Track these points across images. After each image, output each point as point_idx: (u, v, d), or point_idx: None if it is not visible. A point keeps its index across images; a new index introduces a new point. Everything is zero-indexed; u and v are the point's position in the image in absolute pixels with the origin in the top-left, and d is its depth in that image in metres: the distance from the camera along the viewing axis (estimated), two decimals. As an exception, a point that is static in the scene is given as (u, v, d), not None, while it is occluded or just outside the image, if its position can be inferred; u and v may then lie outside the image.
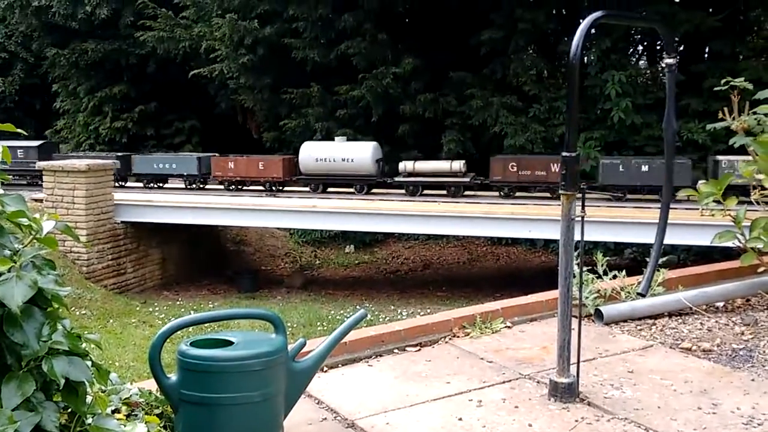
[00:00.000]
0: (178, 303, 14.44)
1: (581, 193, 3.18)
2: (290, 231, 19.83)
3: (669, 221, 4.17)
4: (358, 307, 13.51)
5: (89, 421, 1.91)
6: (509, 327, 4.32)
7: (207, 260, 17.88)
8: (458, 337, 4.15)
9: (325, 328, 11.48)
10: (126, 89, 22.69)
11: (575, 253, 3.31)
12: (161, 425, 2.59)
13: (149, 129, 22.85)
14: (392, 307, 13.64)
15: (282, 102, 19.49)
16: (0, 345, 1.67)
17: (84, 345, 1.86)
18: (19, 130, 1.76)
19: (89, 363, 1.81)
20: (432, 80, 18.54)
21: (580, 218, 3.20)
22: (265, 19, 18.95)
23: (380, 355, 3.86)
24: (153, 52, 21.24)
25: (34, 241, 1.79)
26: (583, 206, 3.20)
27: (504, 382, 3.49)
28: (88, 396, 1.85)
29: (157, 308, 13.73)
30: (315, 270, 18.45)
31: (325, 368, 3.61)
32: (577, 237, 3.24)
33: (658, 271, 4.65)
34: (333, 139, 17.59)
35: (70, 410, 1.87)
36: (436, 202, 15.15)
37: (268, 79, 19.55)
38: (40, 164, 15.49)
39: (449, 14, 18.43)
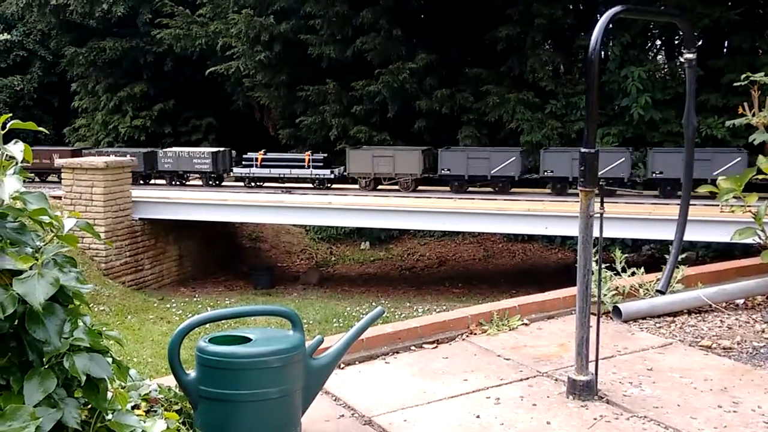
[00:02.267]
0: (195, 299, 14.53)
1: (600, 190, 3.16)
2: (306, 227, 19.88)
3: (688, 217, 4.13)
4: (374, 303, 13.53)
5: (109, 417, 1.93)
6: (526, 324, 4.30)
7: (223, 257, 17.98)
8: (475, 334, 4.14)
9: (341, 324, 11.50)
10: (145, 87, 22.81)
11: (593, 250, 3.29)
12: (180, 421, 2.61)
13: (167, 127, 22.97)
14: (408, 304, 13.63)
15: (298, 99, 19.52)
16: (22, 341, 1.69)
17: (104, 342, 1.87)
18: (40, 128, 1.77)
19: (110, 360, 1.83)
20: (448, 76, 18.50)
21: (599, 215, 3.18)
22: (281, 15, 18.98)
23: (397, 352, 3.86)
24: (170, 50, 21.34)
25: (55, 238, 1.81)
26: (602, 203, 3.18)
27: (522, 380, 3.47)
28: (108, 392, 1.87)
29: (174, 304, 13.82)
30: (331, 267, 18.49)
31: (342, 365, 3.61)
32: (595, 234, 3.22)
33: (678, 268, 4.61)
34: (350, 136, 17.60)
35: (90, 406, 1.88)
36: (452, 198, 15.12)
37: (284, 75, 19.59)
38: (59, 162, 15.62)
39: (465, 10, 18.36)
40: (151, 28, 21.57)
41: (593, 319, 3.26)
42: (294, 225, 19.26)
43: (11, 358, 1.69)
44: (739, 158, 13.60)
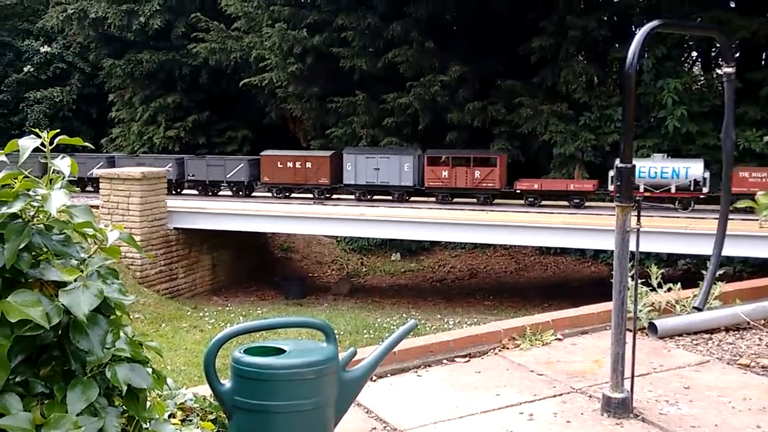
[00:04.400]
0: (227, 308, 14.66)
1: (637, 204, 3.13)
2: (337, 238, 19.97)
3: (726, 232, 4.05)
4: (404, 315, 13.52)
5: (146, 425, 1.96)
6: (560, 339, 4.26)
7: (255, 266, 18.12)
8: (508, 348, 4.12)
9: (372, 336, 11.50)
10: (179, 99, 23.19)
11: (629, 265, 3.25)
12: (215, 431, 2.64)
13: (201, 138, 23.31)
14: (439, 316, 13.59)
15: (329, 110, 19.68)
16: (65, 351, 1.72)
17: (144, 352, 1.91)
18: (86, 144, 1.82)
19: (149, 370, 1.86)
20: (480, 88, 18.49)
21: (635, 230, 3.15)
22: (314, 28, 19.18)
23: (429, 366, 3.85)
24: (205, 62, 21.69)
25: (99, 250, 1.85)
26: (638, 218, 3.14)
27: (555, 396, 3.44)
28: (147, 401, 1.90)
29: (207, 313, 13.96)
30: (361, 277, 18.52)
31: (374, 378, 3.62)
32: (631, 248, 3.19)
33: (715, 284, 4.53)
34: (380, 147, 17.67)
35: (128, 415, 1.91)
36: (483, 210, 15.06)
37: (316, 87, 19.77)
38: (98, 172, 15.93)
39: (498, 22, 18.36)
40: (186, 41, 21.95)
41: (629, 336, 3.22)
42: (325, 236, 19.35)
43: (55, 367, 1.72)
44: None
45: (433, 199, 16.48)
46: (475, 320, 12.54)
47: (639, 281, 3.88)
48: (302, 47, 18.89)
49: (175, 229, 15.68)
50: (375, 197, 16.80)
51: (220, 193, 18.04)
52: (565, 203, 15.35)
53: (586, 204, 15.27)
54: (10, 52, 27.47)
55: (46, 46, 26.90)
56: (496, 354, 4.04)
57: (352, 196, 17.06)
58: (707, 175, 14.49)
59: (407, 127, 18.95)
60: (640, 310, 4.35)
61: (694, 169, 14.51)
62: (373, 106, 19.05)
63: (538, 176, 16.77)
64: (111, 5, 22.49)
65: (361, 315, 13.73)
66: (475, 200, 16.09)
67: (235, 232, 16.31)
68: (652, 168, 14.72)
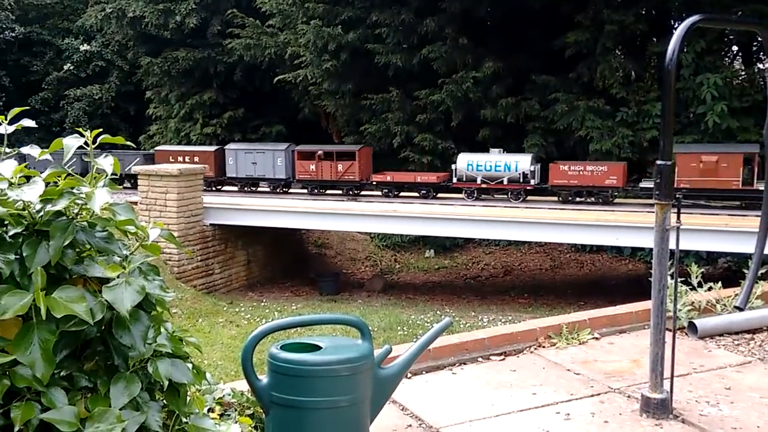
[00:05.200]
0: (262, 304, 14.79)
1: (677, 202, 3.08)
2: (370, 235, 20.00)
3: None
4: (438, 312, 13.49)
5: (185, 419, 1.99)
6: (597, 338, 4.21)
7: (290, 262, 18.26)
8: (544, 347, 4.08)
9: (406, 332, 11.50)
10: (215, 96, 23.45)
11: (668, 263, 3.20)
12: (253, 426, 2.67)
13: (236, 134, 23.53)
14: (473, 313, 13.53)
15: (363, 107, 19.71)
16: (108, 346, 1.76)
17: (184, 347, 1.93)
18: (128, 143, 1.85)
19: (190, 365, 1.88)
20: (514, 84, 18.33)
21: (675, 228, 3.10)
22: (348, 24, 19.21)
23: (464, 363, 3.84)
24: (240, 59, 21.89)
25: (140, 247, 1.88)
26: (678, 216, 3.09)
27: (593, 396, 3.40)
28: (187, 396, 1.92)
29: (242, 308, 14.10)
30: (395, 274, 18.53)
31: (409, 375, 3.62)
32: (670, 246, 3.13)
33: (757, 283, 4.43)
34: (413, 143, 17.59)
35: (167, 409, 1.94)
36: (518, 207, 14.95)
37: (350, 84, 19.81)
38: (136, 168, 16.18)
39: (533, 17, 18.17)
40: (221, 39, 22.19)
41: (668, 335, 3.17)
42: (359, 232, 19.41)
43: (98, 362, 1.76)
44: None
45: (466, 195, 16.38)
46: (510, 318, 12.46)
47: (678, 280, 3.82)
48: (337, 44, 18.95)
49: (211, 225, 15.87)
50: (403, 194, 16.83)
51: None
52: (597, 199, 15.09)
53: (616, 201, 14.93)
54: (50, 50, 28.06)
55: (85, 45, 27.44)
56: (531, 352, 4.01)
57: (379, 193, 17.04)
58: (534, 168, 15.51)
59: (440, 124, 18.90)
60: (680, 310, 4.27)
61: (523, 162, 15.63)
62: (407, 103, 19.03)
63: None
64: (148, 4, 22.83)
65: (394, 312, 13.73)
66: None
67: (270, 228, 16.44)
68: (488, 162, 15.79)
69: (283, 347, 2.77)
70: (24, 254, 1.60)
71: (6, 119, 1.89)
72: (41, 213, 1.66)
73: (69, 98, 26.76)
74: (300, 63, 20.09)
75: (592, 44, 17.01)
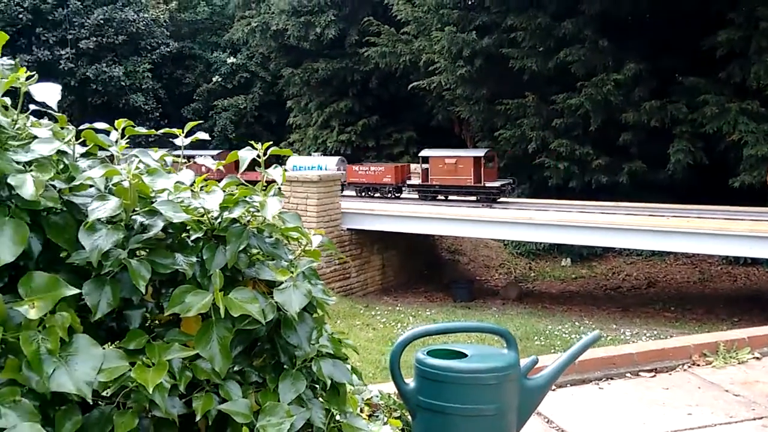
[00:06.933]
0: (397, 308, 14.99)
1: None
2: (504, 242, 19.76)
3: None
4: (576, 323, 13.12)
5: (338, 417, 2.07)
6: (758, 358, 3.93)
7: (423, 268, 18.40)
8: (698, 365, 3.87)
9: (543, 342, 11.26)
10: (351, 104, 24.15)
11: None
12: (401, 429, 2.72)
13: (370, 141, 24.08)
14: (614, 326, 13.01)
15: (497, 112, 19.53)
16: (275, 345, 1.86)
17: (343, 349, 2.01)
18: (294, 155, 1.95)
19: (349, 366, 1.96)
20: (658, 86, 17.48)
21: None
22: (483, 30, 19.13)
23: (611, 378, 3.71)
24: (375, 68, 22.39)
25: (302, 252, 1.98)
26: None
27: (755, 419, 3.18)
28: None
29: (378, 312, 14.37)
30: (530, 282, 18.18)
31: (554, 387, 3.54)
32: None
33: None
34: (550, 150, 17.21)
35: (324, 407, 2.03)
36: (664, 216, 14.22)
37: (485, 89, 19.70)
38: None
39: (679, 15, 17.26)
40: (358, 49, 22.81)
41: None
42: (493, 239, 19.23)
43: (266, 359, 1.87)
44: None
45: (603, 203, 15.80)
46: (655, 332, 11.89)
47: None
48: (471, 50, 18.91)
49: (348, 230, 16.30)
50: (539, 201, 16.48)
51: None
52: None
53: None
54: (201, 63, 30.00)
55: (232, 58, 29.12)
56: (685, 370, 3.81)
57: (520, 200, 16.81)
58: (340, 168, 17.58)
59: (577, 129, 18.35)
60: None
61: (329, 164, 18.87)
62: (543, 108, 18.65)
63: (726, 180, 15.62)
64: (290, 17, 23.89)
65: (530, 321, 13.47)
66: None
67: (405, 233, 16.63)
68: (305, 163, 18.92)
69: (430, 353, 2.81)
70: (204, 257, 1.73)
71: (183, 132, 2.06)
72: (219, 219, 1.78)
73: (217, 108, 28.49)
74: (434, 69, 20.23)
75: (745, 43, 15.90)
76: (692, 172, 16.90)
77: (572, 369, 3.63)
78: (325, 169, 18.33)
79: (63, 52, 26.44)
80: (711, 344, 3.98)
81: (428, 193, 17.30)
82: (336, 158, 19.46)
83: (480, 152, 17.35)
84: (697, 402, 3.38)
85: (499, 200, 16.80)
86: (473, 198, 16.82)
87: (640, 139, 17.62)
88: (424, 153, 17.84)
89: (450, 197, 17.31)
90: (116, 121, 1.80)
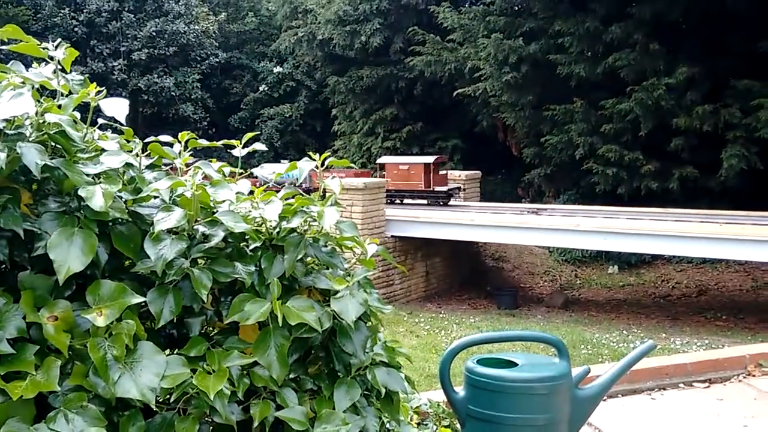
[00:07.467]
0: (440, 315, 14.95)
1: None
2: (549, 249, 19.53)
3: None
4: (624, 332, 12.89)
5: (389, 426, 2.09)
6: (818, 370, 3.83)
7: (467, 275, 18.31)
8: (754, 376, 3.78)
9: (590, 351, 11.09)
10: (396, 111, 24.23)
11: None
12: (451, 437, 2.73)
13: (414, 148, 24.11)
14: (663, 335, 12.74)
15: (544, 118, 19.35)
16: (330, 353, 1.89)
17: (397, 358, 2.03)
18: (352, 165, 1.99)
19: (402, 375, 1.98)
20: (711, 90, 17.08)
21: None
22: (530, 36, 18.99)
23: (663, 389, 3.66)
24: (420, 75, 22.42)
25: (357, 261, 2.01)
26: None
27: (816, 433, 3.10)
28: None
29: (421, 319, 14.34)
30: (575, 290, 17.93)
31: (605, 397, 3.50)
32: None
33: None
34: (598, 156, 16.94)
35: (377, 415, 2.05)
36: (717, 223, 13.87)
37: (531, 95, 19.55)
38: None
39: (735, 17, 16.86)
40: (402, 57, 22.89)
41: None
42: (538, 246, 19.03)
43: (321, 367, 1.90)
44: None
45: (652, 209, 15.49)
46: (707, 342, 11.60)
47: None
48: (517, 56, 18.79)
49: (392, 237, 16.33)
50: (584, 207, 16.28)
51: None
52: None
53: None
54: (248, 73, 30.50)
55: (278, 67, 29.54)
56: (740, 381, 3.73)
57: (566, 206, 16.60)
58: (304, 175, 16.63)
59: (627, 134, 18.05)
60: None
61: (296, 172, 16.92)
62: (591, 113, 18.41)
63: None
64: (336, 27, 24.11)
65: (576, 329, 13.28)
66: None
67: (448, 240, 16.59)
68: (279, 170, 17.80)
69: (479, 362, 2.80)
70: (262, 266, 1.78)
71: (241, 143, 2.11)
72: (277, 229, 1.83)
73: (263, 117, 28.92)
74: (479, 76, 20.16)
75: (805, 44, 15.47)
76: (746, 177, 16.44)
77: (624, 379, 3.58)
78: (294, 177, 18.35)
79: (116, 64, 27.17)
80: (767, 354, 3.88)
81: (386, 197, 17.86)
82: (312, 163, 19.63)
83: (430, 159, 18.16)
84: (753, 413, 3.30)
85: (449, 203, 17.63)
86: (424, 201, 17.89)
87: (691, 144, 17.24)
88: (381, 160, 19.00)
89: (404, 201, 18.32)
90: (180, 134, 1.86)
